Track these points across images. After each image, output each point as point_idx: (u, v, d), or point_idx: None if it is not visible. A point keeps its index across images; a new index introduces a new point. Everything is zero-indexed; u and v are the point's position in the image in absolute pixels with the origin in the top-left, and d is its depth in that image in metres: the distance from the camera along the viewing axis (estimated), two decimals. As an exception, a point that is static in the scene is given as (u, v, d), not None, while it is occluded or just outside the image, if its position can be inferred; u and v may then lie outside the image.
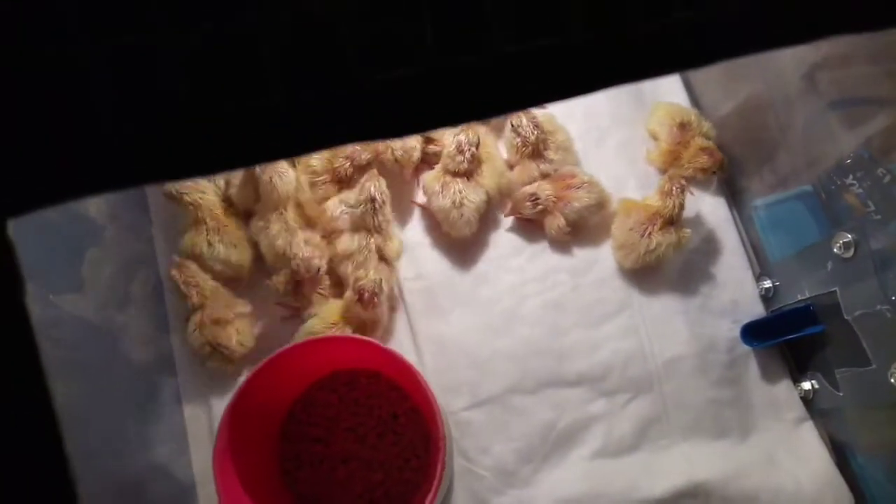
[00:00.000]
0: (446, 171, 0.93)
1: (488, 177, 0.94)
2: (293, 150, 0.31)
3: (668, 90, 1.04)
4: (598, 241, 0.97)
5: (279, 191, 0.87)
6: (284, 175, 0.87)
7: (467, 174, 0.93)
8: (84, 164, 0.30)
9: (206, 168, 0.31)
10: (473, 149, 0.91)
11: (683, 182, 0.90)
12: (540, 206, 0.93)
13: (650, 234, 0.90)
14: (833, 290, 0.79)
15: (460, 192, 0.92)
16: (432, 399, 0.72)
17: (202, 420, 0.91)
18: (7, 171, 0.29)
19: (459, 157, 0.91)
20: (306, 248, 0.87)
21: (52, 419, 0.31)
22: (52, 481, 0.33)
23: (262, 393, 0.75)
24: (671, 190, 0.89)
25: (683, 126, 0.95)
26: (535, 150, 0.95)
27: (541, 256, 0.97)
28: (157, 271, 0.98)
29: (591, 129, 1.01)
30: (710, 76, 1.02)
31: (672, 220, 0.90)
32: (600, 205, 0.95)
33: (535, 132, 0.94)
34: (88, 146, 0.29)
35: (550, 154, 0.96)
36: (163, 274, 0.97)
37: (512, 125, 0.96)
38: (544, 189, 0.93)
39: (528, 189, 0.93)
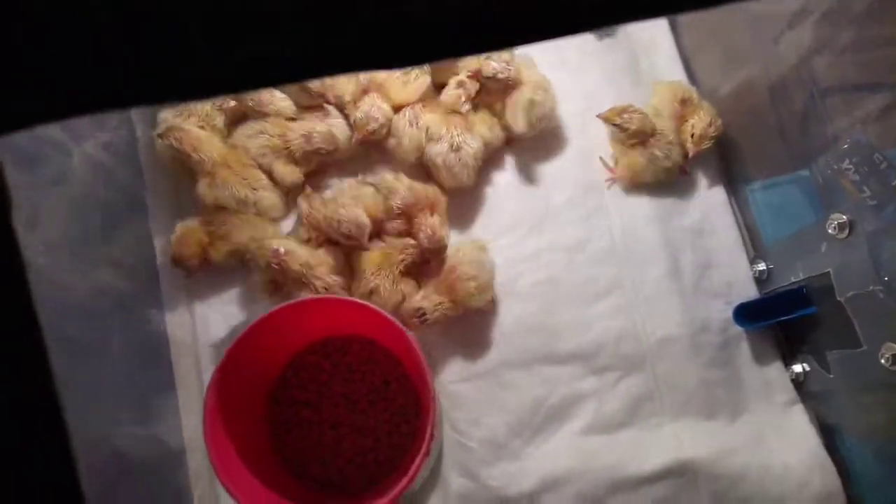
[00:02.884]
0: (447, 111, 0.94)
1: (481, 125, 0.95)
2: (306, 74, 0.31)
3: (667, 70, 1.04)
4: (591, 221, 0.97)
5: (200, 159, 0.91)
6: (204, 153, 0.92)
7: (464, 122, 0.93)
8: (80, 85, 0.30)
9: (200, 94, 0.31)
10: (472, 90, 0.93)
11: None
12: (429, 320, 0.86)
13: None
14: (826, 271, 0.79)
15: (458, 136, 0.92)
16: (423, 363, 0.72)
17: (193, 386, 0.91)
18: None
19: (461, 91, 0.93)
20: (348, 211, 0.86)
21: (40, 343, 0.31)
22: (44, 427, 0.33)
23: (252, 355, 0.75)
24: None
25: (685, 102, 0.95)
26: (515, 85, 0.95)
27: (534, 234, 0.97)
28: (150, 239, 0.97)
29: (590, 108, 1.00)
30: (708, 57, 1.02)
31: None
32: (485, 268, 0.90)
33: (511, 69, 0.94)
34: (87, 68, 0.29)
35: (532, 88, 0.95)
36: (156, 244, 0.97)
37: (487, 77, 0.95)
38: (432, 300, 0.87)
39: (414, 304, 0.87)
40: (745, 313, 0.91)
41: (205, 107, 0.97)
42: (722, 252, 0.96)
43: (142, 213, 0.98)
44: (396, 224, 0.92)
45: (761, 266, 0.94)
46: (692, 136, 0.93)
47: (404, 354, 0.82)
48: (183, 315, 0.95)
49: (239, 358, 0.73)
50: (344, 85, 0.97)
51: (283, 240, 0.88)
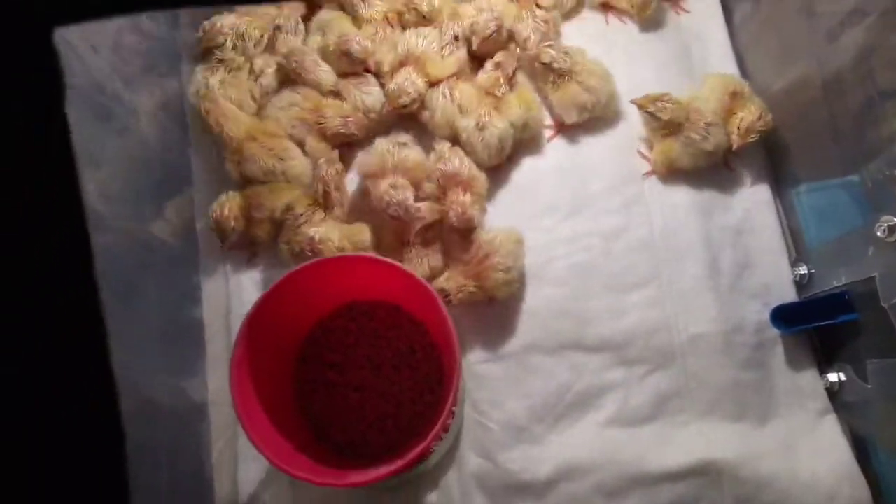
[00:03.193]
0: (483, 92, 0.95)
1: (515, 106, 0.94)
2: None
3: (720, 64, 1.02)
4: (630, 209, 0.96)
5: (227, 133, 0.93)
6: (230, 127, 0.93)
7: (496, 102, 0.94)
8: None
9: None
10: (510, 70, 0.94)
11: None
12: (452, 302, 0.86)
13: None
14: (872, 276, 0.77)
15: (486, 116, 0.92)
16: (452, 330, 0.71)
17: (221, 345, 0.92)
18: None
19: (498, 73, 0.94)
20: (398, 192, 0.87)
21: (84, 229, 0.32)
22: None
23: (278, 313, 0.75)
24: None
25: (735, 95, 0.93)
26: (568, 77, 0.95)
27: (571, 219, 0.96)
28: (191, 202, 1.00)
29: (635, 96, 0.99)
30: (762, 52, 1.00)
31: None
32: (519, 261, 0.89)
33: (567, 60, 0.94)
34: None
35: (585, 77, 0.95)
36: (196, 205, 0.99)
37: (543, 63, 0.95)
38: (457, 282, 0.87)
39: (438, 284, 0.86)
40: (783, 316, 0.89)
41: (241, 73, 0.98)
42: (763, 252, 0.94)
43: (190, 174, 1.00)
44: (430, 188, 0.92)
45: (802, 269, 0.91)
46: (738, 128, 0.91)
47: (432, 322, 0.82)
48: (217, 276, 0.96)
49: (265, 314, 0.74)
50: (384, 54, 0.98)
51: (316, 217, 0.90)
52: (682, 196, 0.96)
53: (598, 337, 0.91)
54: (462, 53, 0.98)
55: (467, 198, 0.88)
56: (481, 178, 0.92)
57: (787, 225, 0.96)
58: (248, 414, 0.70)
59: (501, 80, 0.95)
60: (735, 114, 0.92)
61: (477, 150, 0.92)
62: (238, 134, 0.93)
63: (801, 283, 0.92)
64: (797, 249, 0.94)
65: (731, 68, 1.02)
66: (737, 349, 0.89)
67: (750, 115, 0.91)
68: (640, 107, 0.94)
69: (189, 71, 1.01)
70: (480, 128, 0.92)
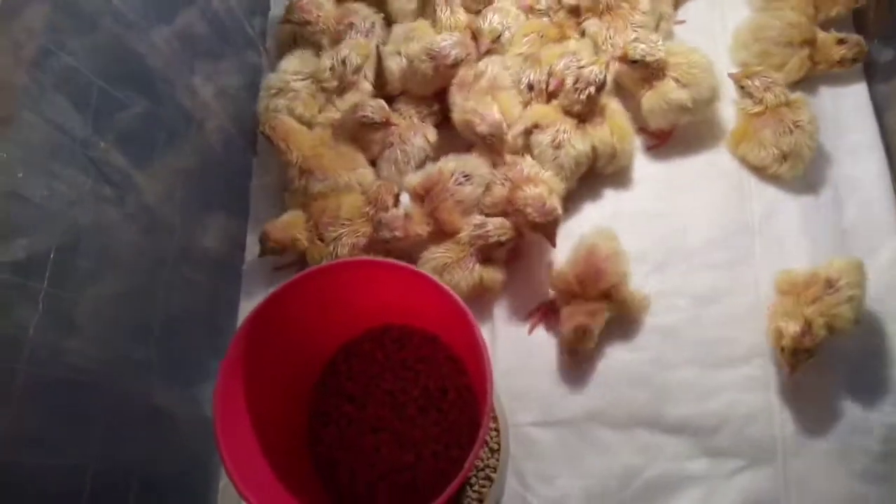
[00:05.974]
0: (560, 109, 0.84)
1: (606, 133, 0.83)
2: None
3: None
4: (734, 269, 0.81)
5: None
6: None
7: (580, 116, 0.83)
8: None
9: None
10: (592, 89, 0.81)
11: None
12: (595, 333, 0.76)
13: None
14: None
15: (564, 133, 0.81)
16: (487, 370, 0.57)
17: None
18: None
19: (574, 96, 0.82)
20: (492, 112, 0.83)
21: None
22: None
23: (296, 319, 0.65)
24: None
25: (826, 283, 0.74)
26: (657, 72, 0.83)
27: (660, 272, 0.82)
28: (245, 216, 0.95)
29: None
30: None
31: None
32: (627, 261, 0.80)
33: (662, 50, 0.82)
34: None
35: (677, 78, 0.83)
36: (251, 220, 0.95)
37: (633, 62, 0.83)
38: (590, 309, 0.76)
39: (573, 323, 0.75)
40: (922, 423, 0.71)
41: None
42: (897, 343, 0.76)
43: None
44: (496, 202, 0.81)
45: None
46: (782, 349, 0.72)
47: (471, 361, 0.68)
48: (257, 294, 0.89)
49: (276, 318, 0.63)
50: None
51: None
52: (802, 262, 0.80)
53: (679, 416, 0.76)
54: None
55: (541, 188, 0.77)
56: (555, 179, 0.81)
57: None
58: (225, 426, 0.58)
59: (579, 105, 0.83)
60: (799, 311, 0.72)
61: (546, 166, 0.81)
62: (302, 152, 0.88)
63: (947, 386, 0.74)
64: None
65: None
66: (856, 455, 0.73)
67: (792, 326, 0.71)
68: (736, 81, 0.86)
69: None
70: (556, 146, 0.81)
